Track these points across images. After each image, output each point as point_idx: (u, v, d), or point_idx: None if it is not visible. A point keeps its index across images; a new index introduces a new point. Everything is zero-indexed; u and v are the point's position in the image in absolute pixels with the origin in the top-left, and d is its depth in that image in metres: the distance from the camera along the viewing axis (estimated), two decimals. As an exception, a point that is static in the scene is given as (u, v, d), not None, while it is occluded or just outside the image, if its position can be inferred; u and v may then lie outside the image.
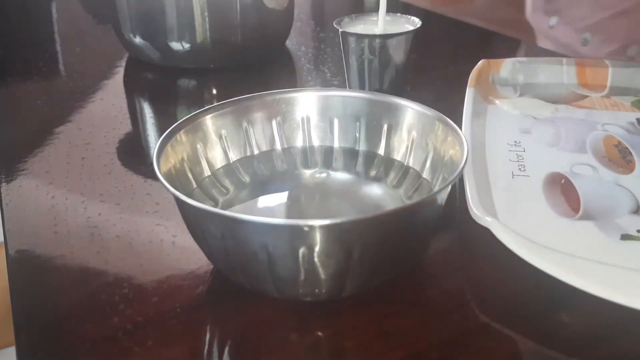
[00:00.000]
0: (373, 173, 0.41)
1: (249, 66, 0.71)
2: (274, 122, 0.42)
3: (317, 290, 0.31)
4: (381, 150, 0.42)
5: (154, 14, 0.66)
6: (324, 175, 0.41)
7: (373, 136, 0.42)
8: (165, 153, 0.34)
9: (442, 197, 0.33)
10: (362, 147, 0.42)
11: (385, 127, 0.42)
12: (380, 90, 0.55)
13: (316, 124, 0.43)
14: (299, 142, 0.43)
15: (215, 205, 0.37)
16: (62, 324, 0.33)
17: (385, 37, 0.53)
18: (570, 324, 0.33)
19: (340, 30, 0.54)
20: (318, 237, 0.27)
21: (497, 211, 0.40)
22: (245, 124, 0.41)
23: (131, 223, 0.41)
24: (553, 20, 0.81)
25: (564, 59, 0.61)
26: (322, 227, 0.27)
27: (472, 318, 0.33)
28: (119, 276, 0.36)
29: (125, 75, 0.72)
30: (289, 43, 0.78)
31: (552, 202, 0.41)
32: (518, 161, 0.46)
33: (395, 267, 0.33)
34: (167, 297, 0.34)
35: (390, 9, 0.55)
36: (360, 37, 0.53)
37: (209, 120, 0.39)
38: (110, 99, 0.65)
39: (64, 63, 0.80)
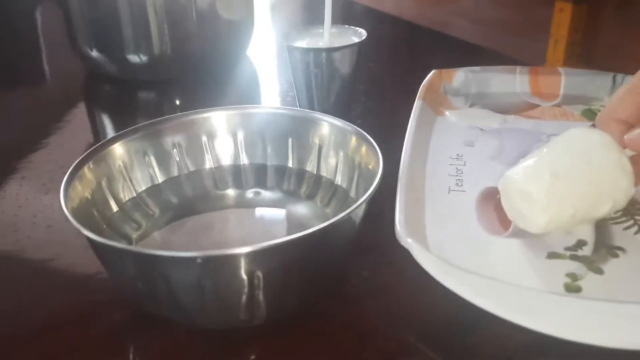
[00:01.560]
0: (286, 188, 0.41)
1: (210, 76, 0.71)
2: (203, 139, 0.41)
3: (224, 320, 0.30)
4: (291, 163, 0.42)
5: (109, 27, 0.66)
6: (243, 196, 0.40)
7: (282, 151, 0.42)
8: (74, 187, 0.33)
9: (351, 221, 0.32)
10: (271, 162, 0.42)
11: (304, 142, 0.42)
12: (328, 103, 0.55)
13: (223, 142, 0.42)
14: (207, 164, 0.42)
15: (139, 229, 0.36)
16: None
17: (330, 50, 0.52)
18: (490, 346, 0.32)
19: (286, 44, 0.53)
20: (213, 268, 0.27)
21: (426, 229, 0.40)
22: (172, 143, 0.40)
23: (56, 247, 0.41)
24: None
25: (518, 68, 0.60)
26: (215, 257, 0.27)
27: (394, 341, 0.32)
28: (33, 301, 0.36)
29: (85, 88, 0.72)
30: (250, 52, 0.78)
31: (484, 219, 0.41)
32: (457, 175, 0.46)
33: (310, 292, 0.33)
34: (81, 325, 0.34)
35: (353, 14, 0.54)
36: (305, 51, 0.53)
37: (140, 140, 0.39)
38: (68, 112, 0.65)
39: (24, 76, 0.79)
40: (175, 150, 0.40)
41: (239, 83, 0.73)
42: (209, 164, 0.42)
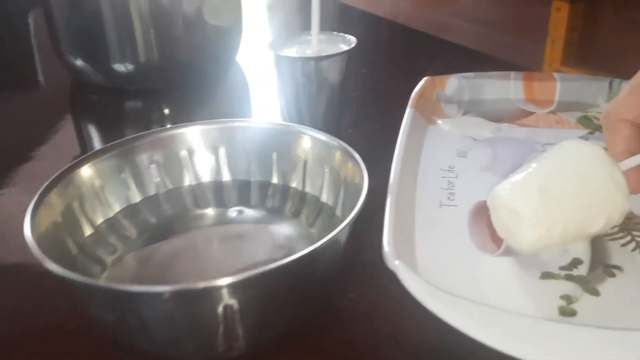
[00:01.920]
0: (270, 205, 0.40)
1: (199, 84, 0.69)
2: (182, 154, 0.40)
3: (200, 353, 0.29)
4: (275, 179, 0.40)
5: (93, 35, 0.64)
6: (224, 215, 0.39)
7: (265, 167, 0.41)
8: (42, 212, 0.31)
9: (336, 244, 0.31)
10: (254, 178, 0.41)
11: (288, 157, 0.40)
12: (317, 112, 0.53)
13: (203, 157, 0.41)
14: (186, 181, 0.40)
15: (110, 258, 0.35)
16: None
17: (318, 59, 0.51)
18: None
19: (272, 53, 0.52)
20: (185, 301, 0.26)
21: (416, 247, 0.38)
22: (149, 161, 0.39)
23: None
24: None
25: (512, 73, 0.59)
26: (186, 291, 0.25)
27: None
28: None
29: (71, 98, 0.70)
30: (240, 57, 0.76)
31: (476, 235, 0.39)
32: (449, 189, 0.44)
33: (292, 320, 0.31)
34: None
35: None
36: (292, 60, 0.51)
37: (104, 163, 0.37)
38: (53, 123, 0.63)
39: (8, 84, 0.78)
40: (152, 167, 0.39)
41: (229, 90, 0.71)
42: (188, 181, 0.40)
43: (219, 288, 0.25)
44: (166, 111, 0.69)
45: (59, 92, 0.71)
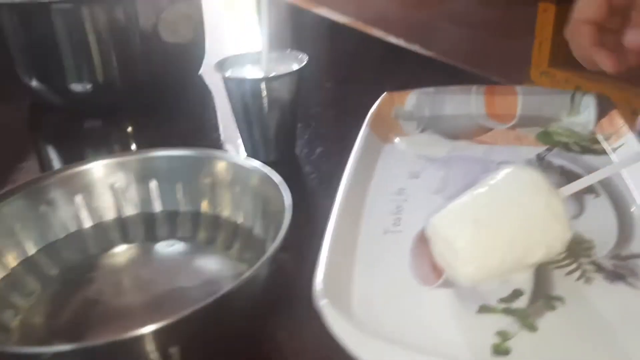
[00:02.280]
0: (181, 235, 0.38)
1: (160, 101, 0.68)
2: (79, 195, 0.38)
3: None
4: (183, 208, 0.39)
5: (48, 55, 0.63)
6: (133, 252, 0.37)
7: (172, 196, 0.39)
8: None
9: (255, 283, 0.29)
10: (164, 207, 0.40)
11: (198, 185, 0.39)
12: (269, 133, 0.52)
13: (102, 195, 0.39)
14: (86, 223, 0.39)
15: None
16: None
17: (268, 80, 0.49)
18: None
19: (220, 74, 0.50)
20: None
21: (353, 280, 0.37)
22: (42, 206, 0.37)
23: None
24: None
25: (474, 87, 0.57)
26: (65, 352, 0.24)
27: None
28: None
29: (29, 120, 0.69)
30: (204, 72, 0.75)
31: (417, 265, 0.38)
32: (396, 213, 0.43)
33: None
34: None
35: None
36: (240, 81, 0.50)
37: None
38: (9, 146, 0.62)
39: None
40: (48, 212, 0.37)
41: (191, 106, 0.70)
42: (89, 221, 0.38)
43: (107, 345, 0.24)
44: (128, 130, 0.68)
45: (17, 114, 0.70)
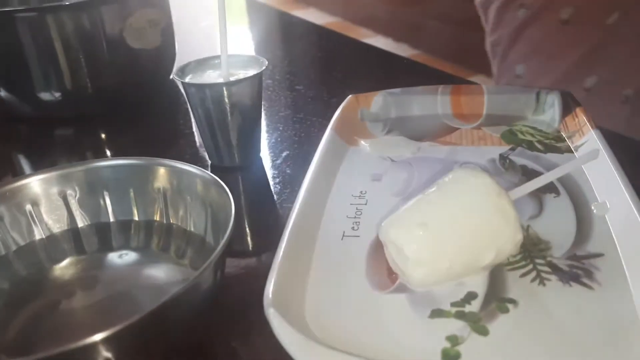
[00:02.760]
0: (156, 245, 0.38)
1: (132, 106, 0.68)
2: (27, 208, 0.38)
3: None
4: (137, 216, 0.39)
5: (14, 64, 0.63)
6: (84, 264, 0.37)
7: (125, 205, 0.39)
8: None
9: (195, 292, 0.29)
10: (116, 218, 0.39)
11: (148, 193, 0.39)
12: (232, 138, 0.51)
13: (51, 207, 0.39)
14: (38, 235, 0.38)
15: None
16: None
17: (228, 85, 0.49)
18: None
19: (179, 80, 0.50)
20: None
21: (307, 286, 0.36)
22: None
23: None
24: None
25: (440, 87, 0.57)
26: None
27: None
28: None
29: (0, 130, 0.69)
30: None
31: (372, 270, 0.37)
32: (355, 217, 0.42)
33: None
34: None
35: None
36: (199, 87, 0.49)
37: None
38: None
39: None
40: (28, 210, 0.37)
41: (164, 111, 0.70)
42: (39, 234, 0.38)
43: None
44: (101, 136, 0.67)
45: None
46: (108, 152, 0.63)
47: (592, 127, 0.47)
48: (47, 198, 0.38)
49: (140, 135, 0.64)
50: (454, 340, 0.32)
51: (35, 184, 0.38)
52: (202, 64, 0.52)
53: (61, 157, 0.64)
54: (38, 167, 0.61)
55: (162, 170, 0.38)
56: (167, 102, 0.71)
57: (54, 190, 0.38)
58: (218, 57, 0.51)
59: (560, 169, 0.37)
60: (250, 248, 0.43)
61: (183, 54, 0.75)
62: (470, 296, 0.34)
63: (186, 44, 0.78)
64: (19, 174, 0.60)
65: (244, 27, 1.01)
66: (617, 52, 0.68)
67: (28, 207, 0.37)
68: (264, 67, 0.50)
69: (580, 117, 0.50)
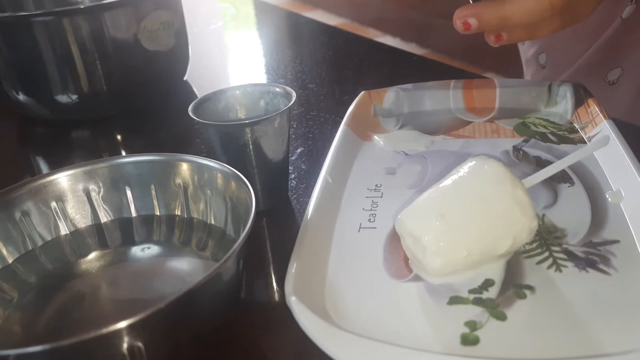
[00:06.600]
0: (177, 239, 0.39)
1: (148, 107, 0.69)
2: (52, 204, 0.39)
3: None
4: (183, 213, 0.40)
5: (32, 68, 0.64)
6: (109, 257, 0.38)
7: (170, 200, 0.40)
8: None
9: (218, 282, 0.30)
10: (138, 213, 0.40)
11: (170, 188, 0.40)
12: (256, 182, 0.44)
13: (76, 203, 0.39)
14: (63, 230, 0.39)
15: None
16: None
17: (252, 124, 0.41)
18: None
19: (197, 119, 0.42)
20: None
21: (327, 276, 0.37)
22: (18, 215, 0.37)
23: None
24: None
25: (452, 82, 0.57)
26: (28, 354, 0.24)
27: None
28: None
29: (19, 132, 0.70)
30: (190, 77, 0.75)
31: (389, 260, 0.38)
32: (371, 210, 0.43)
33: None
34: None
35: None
36: (221, 127, 0.42)
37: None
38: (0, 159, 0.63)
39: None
40: (24, 221, 0.37)
41: (179, 111, 0.70)
42: (64, 229, 0.39)
43: (74, 345, 0.24)
44: (117, 138, 0.68)
45: (7, 128, 0.71)
46: (124, 153, 0.64)
47: (604, 118, 0.48)
48: (72, 194, 0.39)
49: (156, 136, 0.65)
50: (472, 325, 0.32)
51: (59, 180, 0.38)
52: (218, 95, 0.47)
53: (78, 158, 0.65)
54: (56, 168, 0.62)
55: (183, 166, 0.38)
56: (181, 102, 0.72)
57: (78, 186, 0.39)
58: (233, 88, 0.46)
59: (571, 156, 0.38)
60: (269, 242, 0.44)
61: (195, 56, 0.76)
62: (488, 283, 0.35)
63: (198, 45, 0.79)
64: (36, 175, 0.61)
65: (253, 28, 1.02)
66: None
67: (53, 203, 0.38)
68: (292, 101, 0.43)
69: (593, 108, 0.50)
